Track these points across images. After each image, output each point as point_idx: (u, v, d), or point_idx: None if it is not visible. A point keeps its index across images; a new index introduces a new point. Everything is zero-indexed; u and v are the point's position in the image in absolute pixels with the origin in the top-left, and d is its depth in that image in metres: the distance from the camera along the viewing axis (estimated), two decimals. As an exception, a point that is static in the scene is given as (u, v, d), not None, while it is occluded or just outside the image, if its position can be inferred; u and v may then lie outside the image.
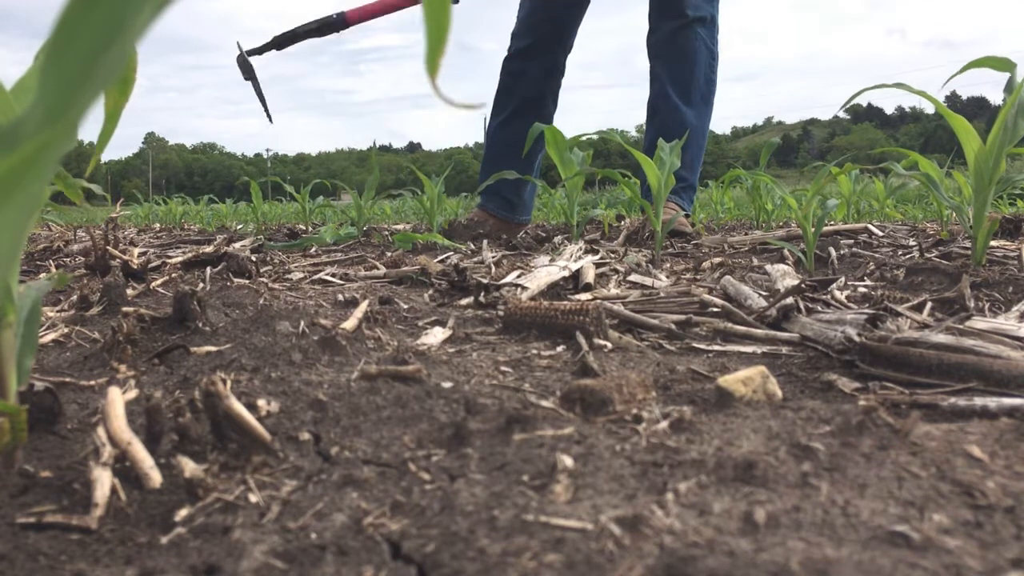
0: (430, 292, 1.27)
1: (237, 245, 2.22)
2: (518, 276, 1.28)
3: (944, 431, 0.53)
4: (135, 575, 0.38)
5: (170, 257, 1.86)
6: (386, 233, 2.80)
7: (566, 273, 1.30)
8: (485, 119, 3.48)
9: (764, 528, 0.39)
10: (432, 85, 0.30)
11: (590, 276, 1.27)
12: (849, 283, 1.23)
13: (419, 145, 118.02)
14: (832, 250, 1.68)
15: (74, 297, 1.14)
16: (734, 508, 0.42)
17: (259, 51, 2.71)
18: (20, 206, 0.26)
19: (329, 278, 1.45)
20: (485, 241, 2.10)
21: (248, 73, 2.69)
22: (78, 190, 0.61)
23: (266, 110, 2.73)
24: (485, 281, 1.17)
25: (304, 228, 3.78)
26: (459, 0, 2.58)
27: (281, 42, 2.62)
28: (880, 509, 0.41)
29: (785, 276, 1.25)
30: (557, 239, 2.33)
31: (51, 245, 2.46)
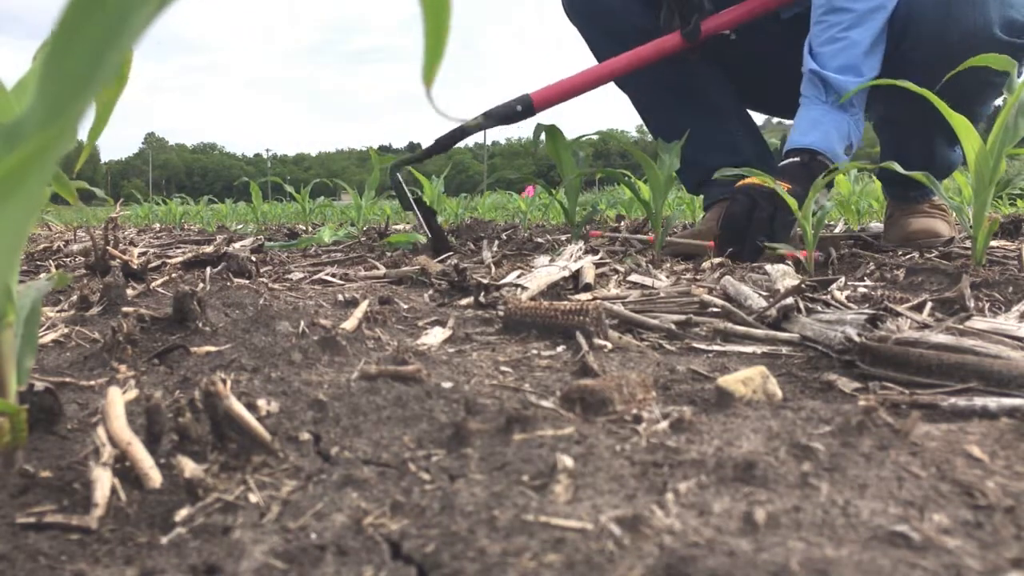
0: (430, 292, 1.26)
1: (237, 245, 2.22)
2: (518, 276, 1.28)
3: (944, 431, 0.53)
4: (135, 575, 0.38)
5: (170, 257, 1.86)
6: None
7: (566, 273, 1.30)
8: None
9: (764, 528, 0.39)
10: (427, 95, 0.30)
11: (590, 276, 1.27)
12: (849, 283, 1.23)
13: (419, 145, 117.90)
14: (832, 250, 1.68)
15: (74, 297, 1.14)
16: (734, 508, 0.42)
17: (416, 159, 2.09)
18: (20, 205, 0.26)
19: (329, 278, 1.45)
20: (484, 241, 2.10)
21: (400, 195, 2.02)
22: (72, 190, 0.61)
23: (424, 230, 1.97)
24: (485, 281, 1.17)
25: (304, 228, 3.79)
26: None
27: (446, 143, 1.95)
28: (880, 509, 0.41)
29: (785, 276, 1.24)
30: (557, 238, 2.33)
31: (51, 245, 2.46)
